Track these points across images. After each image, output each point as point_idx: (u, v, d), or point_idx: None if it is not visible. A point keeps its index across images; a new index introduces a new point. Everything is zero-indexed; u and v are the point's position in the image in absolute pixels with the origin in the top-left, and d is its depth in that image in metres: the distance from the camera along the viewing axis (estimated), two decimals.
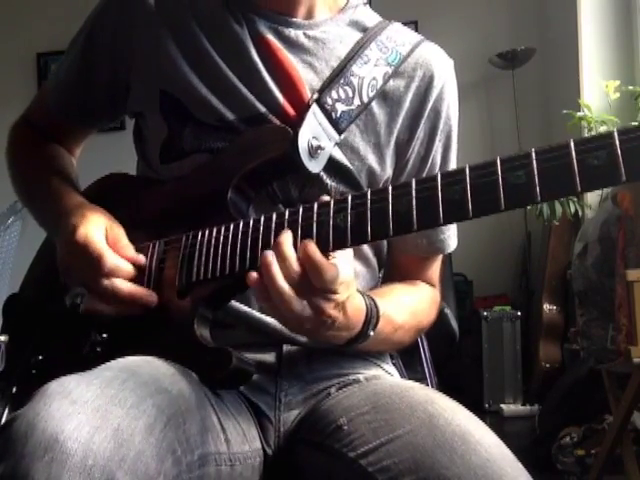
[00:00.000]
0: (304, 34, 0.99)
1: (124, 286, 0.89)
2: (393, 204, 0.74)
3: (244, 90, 0.95)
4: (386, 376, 1.01)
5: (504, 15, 4.17)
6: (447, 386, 1.08)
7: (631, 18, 3.36)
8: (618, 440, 2.15)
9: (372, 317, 0.87)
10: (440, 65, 1.02)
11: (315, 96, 0.94)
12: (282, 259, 0.76)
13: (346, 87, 0.95)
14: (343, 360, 0.98)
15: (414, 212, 0.73)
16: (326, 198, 0.80)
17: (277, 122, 0.94)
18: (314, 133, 0.92)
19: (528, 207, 2.64)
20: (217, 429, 0.84)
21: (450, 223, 0.75)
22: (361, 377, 0.97)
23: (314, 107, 0.93)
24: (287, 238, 0.78)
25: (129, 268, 0.90)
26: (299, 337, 0.92)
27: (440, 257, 1.09)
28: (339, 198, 0.79)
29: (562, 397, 2.72)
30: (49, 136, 1.15)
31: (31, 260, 1.14)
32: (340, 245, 0.77)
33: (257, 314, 0.92)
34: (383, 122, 0.98)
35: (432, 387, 1.26)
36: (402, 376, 1.09)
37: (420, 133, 1.00)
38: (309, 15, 1.00)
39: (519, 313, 3.64)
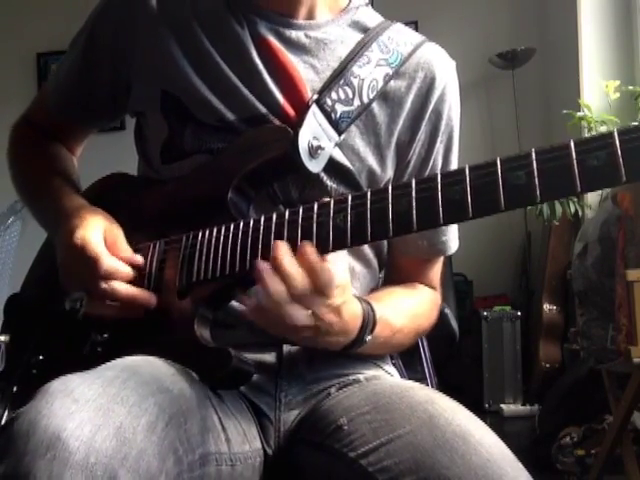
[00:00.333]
0: (305, 35, 0.99)
1: (122, 288, 0.89)
2: (393, 204, 0.74)
3: (245, 91, 0.95)
4: (386, 376, 1.01)
5: (504, 15, 4.17)
6: (447, 386, 1.08)
7: (631, 18, 3.36)
8: (618, 440, 2.15)
9: (369, 322, 0.87)
10: (442, 66, 1.01)
11: (315, 97, 0.94)
12: (281, 274, 0.76)
13: (346, 88, 0.95)
14: (343, 360, 0.98)
15: (414, 212, 0.73)
16: (327, 200, 0.80)
17: (277, 123, 0.94)
18: (314, 133, 0.92)
19: (528, 207, 2.64)
20: (218, 429, 0.84)
21: (450, 223, 0.75)
22: (361, 377, 0.97)
23: (314, 107, 0.93)
24: (283, 248, 0.78)
25: (127, 270, 0.90)
26: None
27: (441, 259, 1.09)
28: (339, 198, 0.79)
29: (562, 397, 2.72)
30: (50, 136, 1.15)
31: (31, 260, 1.14)
32: (340, 245, 0.77)
33: None
34: (384, 123, 0.98)
35: (432, 387, 1.26)
36: (402, 376, 1.09)
37: (421, 134, 1.00)
38: (310, 16, 1.00)
39: (519, 313, 3.64)
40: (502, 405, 3.51)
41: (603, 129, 2.79)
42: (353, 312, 0.84)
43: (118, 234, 0.93)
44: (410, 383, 0.97)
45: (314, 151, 0.92)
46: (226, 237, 0.86)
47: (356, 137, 0.97)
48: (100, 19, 1.05)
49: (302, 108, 0.93)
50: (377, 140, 0.98)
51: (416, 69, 1.00)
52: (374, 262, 1.05)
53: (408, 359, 1.17)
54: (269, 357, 0.95)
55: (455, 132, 1.04)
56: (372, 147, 0.98)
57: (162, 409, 0.73)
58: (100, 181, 1.09)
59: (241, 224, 0.85)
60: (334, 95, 0.95)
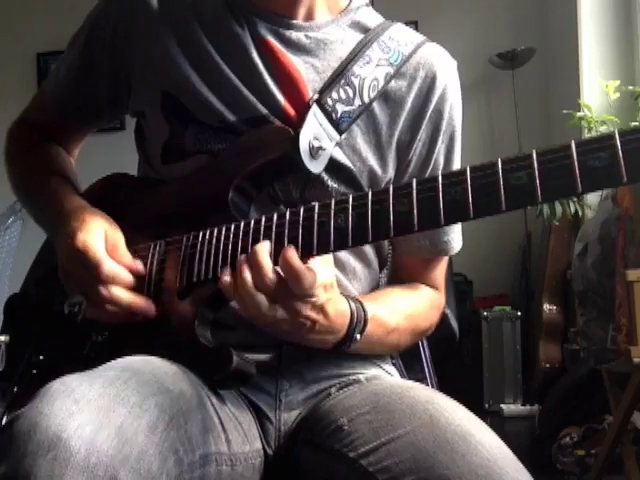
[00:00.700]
0: (305, 36, 0.98)
1: (122, 294, 0.88)
2: (394, 205, 0.74)
3: (245, 92, 0.95)
4: (386, 376, 1.01)
5: (504, 15, 4.18)
6: (447, 386, 1.08)
7: (631, 18, 3.36)
8: (618, 440, 2.15)
9: (359, 320, 0.88)
10: (443, 66, 1.01)
11: (315, 97, 0.94)
12: (255, 267, 0.78)
13: (347, 87, 0.95)
14: (343, 360, 0.98)
15: (415, 213, 0.73)
16: (328, 200, 0.81)
17: (278, 123, 0.94)
18: (315, 134, 0.92)
19: (528, 207, 2.64)
20: (218, 429, 0.84)
21: (451, 224, 0.76)
22: (361, 377, 0.97)
23: (314, 108, 0.93)
24: (263, 247, 0.79)
25: (127, 276, 0.89)
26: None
27: (445, 259, 1.08)
28: (340, 199, 0.79)
29: (562, 397, 2.72)
30: (48, 136, 1.14)
31: (31, 260, 1.14)
32: (341, 246, 0.78)
33: None
34: (384, 123, 0.98)
35: (432, 387, 1.26)
36: (402, 376, 1.09)
37: (422, 134, 1.00)
38: (309, 17, 1.00)
39: (519, 313, 3.64)
40: (502, 405, 3.52)
41: (603, 129, 2.79)
42: (340, 310, 0.85)
43: (118, 237, 0.92)
44: (410, 383, 0.97)
45: (315, 152, 0.92)
46: (227, 237, 0.86)
47: (357, 137, 0.97)
48: (99, 19, 1.04)
49: (303, 108, 0.93)
50: (378, 140, 0.98)
51: (417, 69, 1.00)
52: (375, 262, 1.05)
53: (408, 359, 1.17)
54: (269, 357, 0.95)
55: (457, 132, 1.04)
56: (373, 147, 0.98)
57: (163, 410, 0.73)
58: (100, 181, 1.08)
59: (242, 224, 0.85)
60: (335, 95, 0.95)
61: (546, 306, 3.50)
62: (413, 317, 1.00)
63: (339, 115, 0.94)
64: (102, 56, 1.04)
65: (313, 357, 0.96)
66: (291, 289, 0.78)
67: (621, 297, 2.07)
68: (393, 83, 0.98)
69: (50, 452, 0.63)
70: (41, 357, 0.98)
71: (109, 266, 0.88)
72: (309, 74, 0.97)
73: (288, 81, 0.96)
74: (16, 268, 2.74)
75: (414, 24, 3.93)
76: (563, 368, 3.28)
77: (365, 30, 1.02)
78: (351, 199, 0.77)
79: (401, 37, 1.01)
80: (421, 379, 1.25)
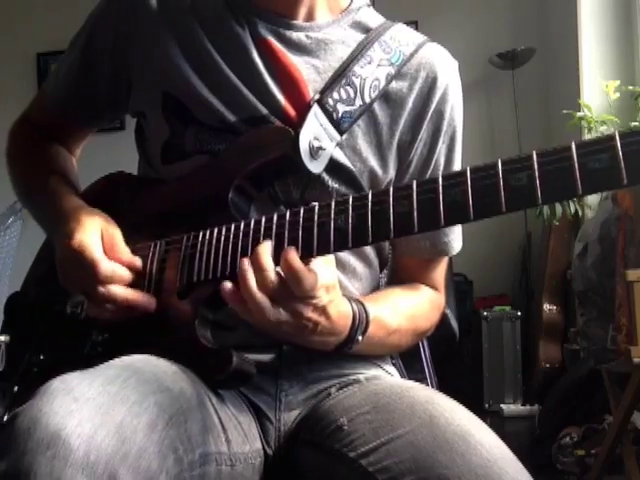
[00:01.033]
0: (306, 36, 0.99)
1: (120, 292, 0.88)
2: (394, 206, 0.74)
3: (245, 92, 0.95)
4: (386, 376, 1.01)
5: (504, 15, 4.18)
6: (447, 386, 1.08)
7: (631, 18, 3.36)
8: (618, 440, 2.15)
9: (361, 322, 0.88)
10: (444, 66, 1.01)
11: (316, 97, 0.94)
12: (259, 269, 0.78)
13: (348, 87, 0.95)
14: (343, 360, 0.98)
15: (415, 214, 0.73)
16: (328, 201, 0.81)
17: (278, 123, 0.94)
18: (315, 134, 0.92)
19: None
20: (218, 429, 0.84)
21: (451, 225, 0.75)
22: (361, 377, 0.97)
23: (315, 108, 0.93)
24: (265, 248, 0.79)
25: (125, 273, 0.90)
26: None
27: (445, 260, 1.08)
28: (340, 199, 0.79)
29: (562, 397, 2.72)
30: (49, 136, 1.14)
31: (31, 260, 1.14)
32: (341, 246, 0.78)
33: None
34: (385, 123, 0.98)
35: (432, 387, 1.26)
36: (402, 376, 1.09)
37: (423, 134, 1.00)
38: (310, 17, 1.00)
39: (519, 313, 3.64)
40: (502, 405, 3.51)
41: (603, 129, 2.79)
42: (342, 312, 0.85)
43: (116, 235, 0.92)
44: (410, 383, 0.97)
45: (315, 152, 0.92)
46: (227, 237, 0.86)
47: (358, 138, 0.97)
48: (100, 19, 1.05)
49: (303, 108, 0.93)
50: (379, 140, 0.98)
51: (418, 69, 1.00)
52: (375, 262, 1.05)
53: (408, 359, 1.17)
54: (269, 357, 0.94)
55: (458, 132, 1.04)
56: (374, 147, 0.98)
57: (162, 408, 0.73)
58: (103, 179, 1.08)
59: (242, 224, 0.85)
60: (336, 95, 0.95)
61: (546, 306, 3.50)
62: (414, 318, 1.00)
63: (340, 115, 0.94)
64: (103, 56, 1.04)
65: (313, 357, 0.96)
66: (293, 291, 0.78)
67: (621, 297, 2.07)
68: (394, 83, 0.98)
69: (50, 450, 0.64)
70: (41, 357, 0.98)
71: (106, 265, 0.88)
72: (310, 74, 0.97)
73: (288, 81, 0.96)
74: (16, 268, 2.74)
75: (414, 24, 3.92)
76: (563, 368, 3.28)
77: (366, 30, 1.02)
78: (351, 200, 0.78)
79: (402, 37, 1.01)
80: (421, 379, 1.25)
